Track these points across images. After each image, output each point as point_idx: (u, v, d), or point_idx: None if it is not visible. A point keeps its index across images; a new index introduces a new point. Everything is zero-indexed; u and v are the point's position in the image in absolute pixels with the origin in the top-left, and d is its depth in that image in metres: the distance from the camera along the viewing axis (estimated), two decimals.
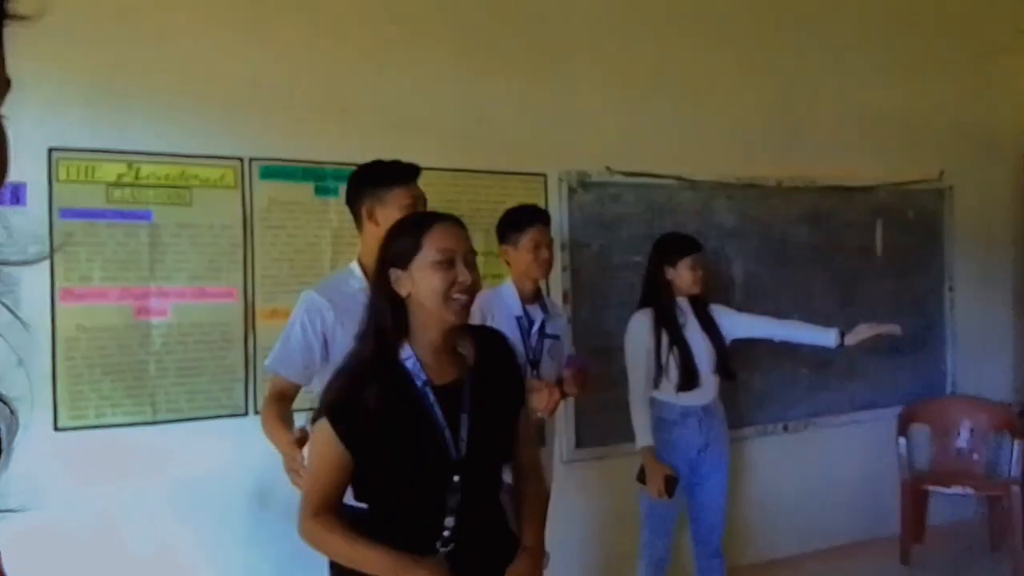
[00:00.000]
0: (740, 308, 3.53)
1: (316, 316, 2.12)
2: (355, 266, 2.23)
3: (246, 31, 2.95)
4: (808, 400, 4.10)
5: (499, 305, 2.70)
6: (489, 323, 2.55)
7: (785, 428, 4.03)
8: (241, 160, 2.94)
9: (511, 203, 3.34)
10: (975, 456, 4.20)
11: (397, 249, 1.61)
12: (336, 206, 3.07)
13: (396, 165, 2.27)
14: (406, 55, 3.20)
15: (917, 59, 4.36)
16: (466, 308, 1.62)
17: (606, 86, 3.58)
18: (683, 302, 3.13)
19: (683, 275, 3.08)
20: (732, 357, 3.20)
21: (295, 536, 1.67)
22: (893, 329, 3.10)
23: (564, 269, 3.45)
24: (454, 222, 1.65)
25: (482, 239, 3.24)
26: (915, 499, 4.06)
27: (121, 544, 2.73)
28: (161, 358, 2.82)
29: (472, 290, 1.61)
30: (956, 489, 4.00)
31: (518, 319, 2.70)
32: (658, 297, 3.12)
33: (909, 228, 4.38)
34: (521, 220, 2.79)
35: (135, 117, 2.80)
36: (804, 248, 4.08)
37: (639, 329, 3.07)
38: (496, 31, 3.38)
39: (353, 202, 2.26)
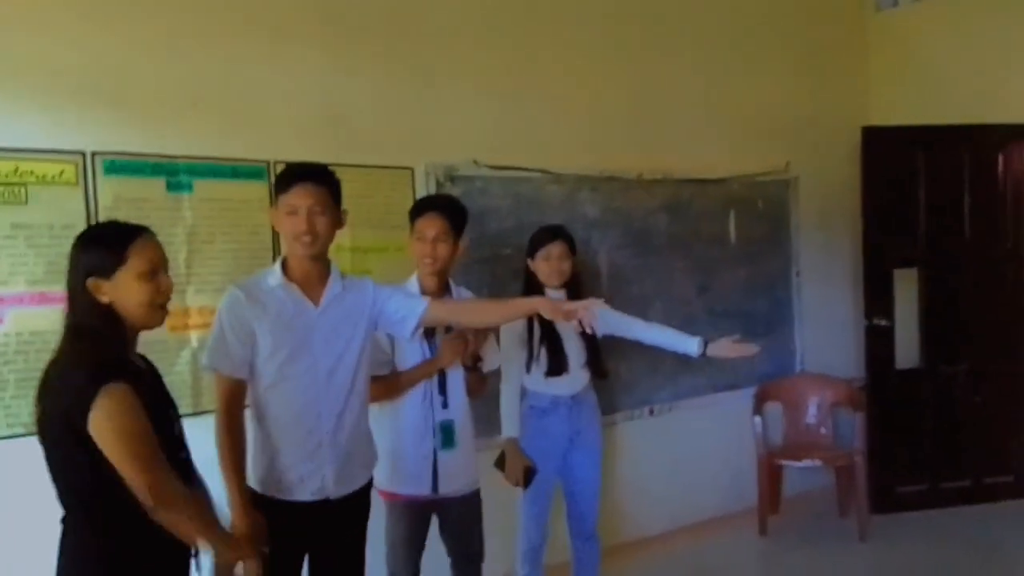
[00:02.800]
0: (606, 295, 3.62)
1: (238, 309, 2.19)
2: (277, 264, 2.31)
3: (86, 15, 2.75)
4: (671, 384, 4.26)
5: None
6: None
7: (651, 412, 4.18)
8: (83, 154, 2.74)
9: (378, 198, 3.32)
10: (822, 430, 4.51)
11: (101, 260, 1.74)
12: (190, 202, 2.93)
13: (285, 170, 2.33)
14: (262, 44, 3.07)
15: (763, 59, 4.62)
16: (167, 314, 1.86)
17: (472, 80, 3.58)
18: (556, 294, 3.13)
19: (539, 267, 3.10)
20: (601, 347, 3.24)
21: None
22: (751, 350, 3.13)
23: None
24: (153, 235, 1.85)
25: (347, 234, 3.18)
26: (770, 473, 4.31)
27: None
28: None
29: (169, 297, 1.84)
30: (806, 462, 4.28)
31: None
32: (527, 289, 3.14)
33: (759, 217, 4.63)
34: (412, 210, 2.76)
35: None
36: (664, 237, 4.24)
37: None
38: (358, 21, 3.30)
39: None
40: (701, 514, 4.32)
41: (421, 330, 2.46)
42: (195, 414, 2.89)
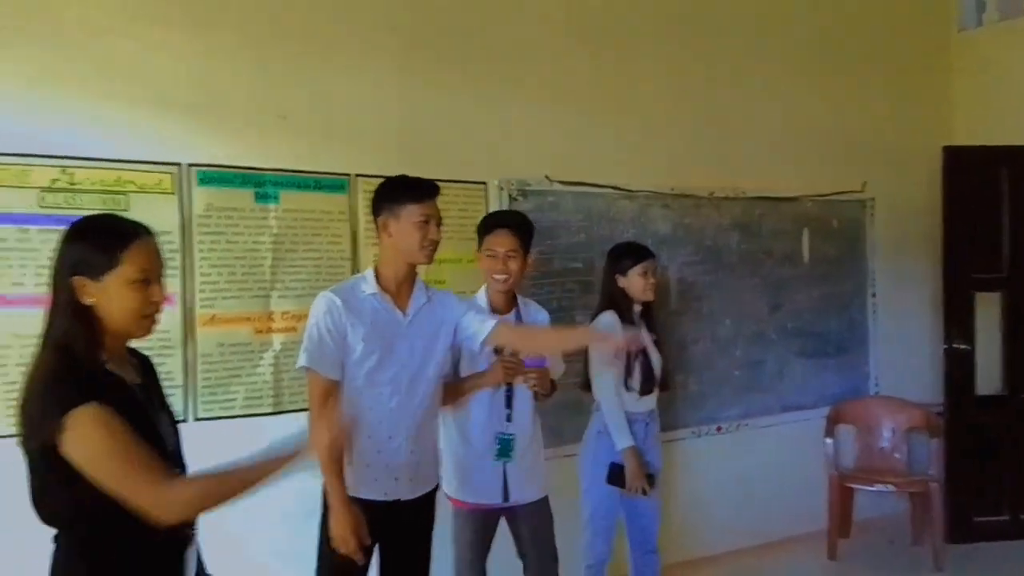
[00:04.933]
0: (674, 311, 3.63)
1: (336, 313, 2.29)
2: (370, 273, 2.41)
3: (184, 35, 2.94)
4: (740, 402, 4.24)
5: None
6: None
7: (719, 429, 4.16)
8: (179, 165, 2.92)
9: (453, 211, 3.41)
10: (897, 455, 4.39)
11: (90, 259, 1.55)
12: (276, 212, 3.08)
13: (412, 182, 2.40)
14: (346, 62, 3.22)
15: (842, 79, 4.58)
16: (156, 324, 1.66)
17: (546, 97, 3.66)
18: (635, 312, 3.18)
19: (635, 282, 3.13)
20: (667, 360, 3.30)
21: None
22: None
23: None
24: (152, 238, 1.63)
25: None
26: (841, 496, 4.22)
27: None
28: None
29: (161, 307, 1.65)
30: (879, 486, 4.18)
31: None
32: (617, 304, 3.14)
33: (834, 237, 4.58)
34: (481, 227, 2.79)
35: (69, 121, 2.76)
36: (735, 255, 4.23)
37: (612, 328, 3.01)
38: (437, 40, 3.42)
39: (374, 214, 2.41)
40: (768, 535, 4.26)
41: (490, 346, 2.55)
42: (276, 413, 3.04)
